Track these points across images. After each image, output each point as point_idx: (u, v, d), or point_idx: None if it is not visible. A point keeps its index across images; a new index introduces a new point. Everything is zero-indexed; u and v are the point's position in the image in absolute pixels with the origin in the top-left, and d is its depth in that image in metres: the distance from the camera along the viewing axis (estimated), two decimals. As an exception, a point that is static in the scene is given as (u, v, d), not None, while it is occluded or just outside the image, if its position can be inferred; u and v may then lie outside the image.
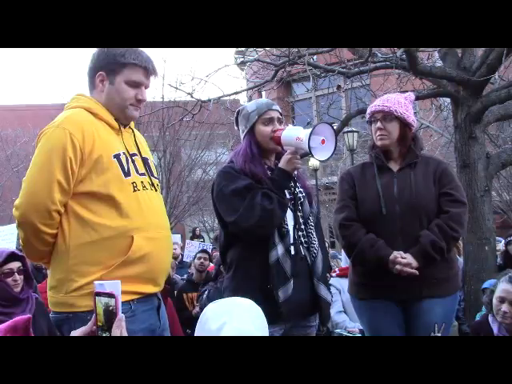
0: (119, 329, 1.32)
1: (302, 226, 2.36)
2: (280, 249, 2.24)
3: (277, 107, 2.42)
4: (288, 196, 2.34)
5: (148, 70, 2.06)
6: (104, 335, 1.33)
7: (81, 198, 1.92)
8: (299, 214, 2.37)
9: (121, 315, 1.33)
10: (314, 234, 2.39)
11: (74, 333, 1.39)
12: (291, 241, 2.31)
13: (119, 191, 1.93)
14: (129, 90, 2.03)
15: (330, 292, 2.41)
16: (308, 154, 2.24)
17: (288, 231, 2.30)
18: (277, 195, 2.22)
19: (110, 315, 1.33)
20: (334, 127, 2.44)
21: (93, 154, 1.91)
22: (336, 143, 2.24)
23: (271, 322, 2.19)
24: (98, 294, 1.35)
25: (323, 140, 2.19)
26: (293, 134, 2.24)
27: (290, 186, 2.34)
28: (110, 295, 1.33)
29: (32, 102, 33.34)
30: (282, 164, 2.29)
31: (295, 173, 2.35)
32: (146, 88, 2.08)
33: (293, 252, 2.29)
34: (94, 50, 2.08)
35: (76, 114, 1.98)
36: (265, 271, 2.22)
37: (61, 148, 1.88)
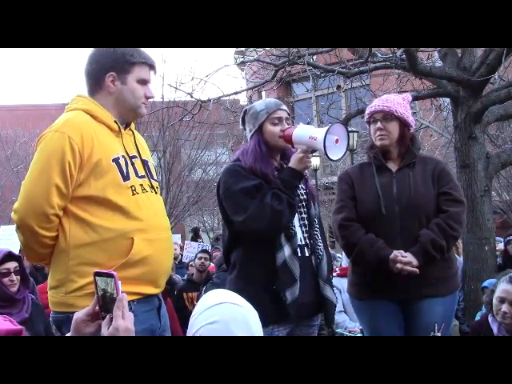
0: (120, 309, 1.30)
1: (307, 228, 2.35)
2: (287, 250, 2.23)
3: (285, 107, 2.41)
4: (298, 196, 2.33)
5: (154, 68, 2.09)
6: (105, 315, 1.32)
7: (79, 201, 1.92)
8: (304, 215, 2.36)
9: (121, 295, 1.31)
10: (320, 235, 2.38)
11: (77, 314, 1.38)
12: (298, 242, 2.29)
13: (117, 195, 1.93)
14: (140, 88, 2.04)
15: (335, 293, 2.41)
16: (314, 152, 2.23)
17: (295, 233, 2.28)
18: (286, 195, 2.20)
19: (107, 298, 1.32)
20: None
21: (92, 157, 1.90)
22: (348, 143, 2.23)
23: (277, 322, 2.21)
24: (98, 274, 1.34)
25: (337, 140, 2.18)
26: (306, 132, 2.21)
27: (299, 185, 2.32)
28: (109, 275, 1.32)
29: (32, 101, 33.28)
30: (292, 163, 2.26)
31: (306, 172, 2.33)
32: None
33: (299, 254, 2.28)
34: (92, 51, 2.08)
35: (75, 117, 1.97)
36: (270, 272, 2.21)
37: (60, 152, 1.87)
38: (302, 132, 2.23)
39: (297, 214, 2.33)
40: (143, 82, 2.05)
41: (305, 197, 2.39)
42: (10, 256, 2.96)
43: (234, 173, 2.31)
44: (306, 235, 2.34)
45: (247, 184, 2.24)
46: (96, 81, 2.05)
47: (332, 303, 2.35)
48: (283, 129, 2.33)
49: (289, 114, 2.41)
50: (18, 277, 2.96)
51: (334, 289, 4.19)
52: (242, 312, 1.44)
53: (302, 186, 2.40)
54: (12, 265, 2.94)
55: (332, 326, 2.37)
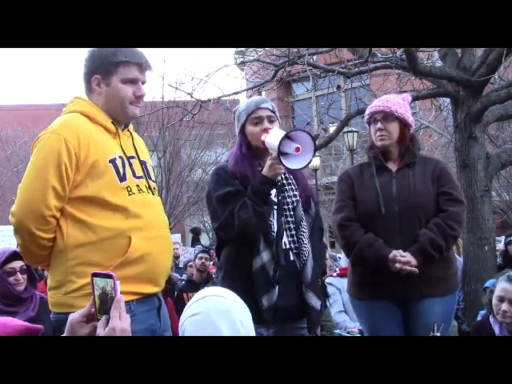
0: (117, 310, 1.30)
1: (293, 232, 2.30)
2: (265, 256, 2.21)
3: (267, 105, 2.34)
4: (275, 200, 2.28)
5: (142, 66, 2.04)
6: (100, 317, 1.32)
7: (76, 202, 1.92)
8: (290, 219, 2.31)
9: (119, 296, 1.31)
10: (306, 239, 2.31)
11: (72, 315, 1.38)
12: (282, 246, 2.26)
13: (113, 196, 1.93)
14: (126, 88, 2.01)
15: (321, 298, 2.34)
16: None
17: (274, 238, 2.25)
18: (253, 203, 2.17)
19: (106, 299, 1.32)
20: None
21: (88, 159, 1.90)
22: (314, 155, 2.15)
23: (257, 323, 2.20)
24: (96, 275, 1.34)
25: (297, 148, 2.10)
26: (273, 138, 2.16)
27: (270, 192, 2.25)
28: (108, 275, 1.33)
29: (32, 101, 33.28)
30: (264, 170, 2.22)
31: (279, 178, 2.27)
32: (143, 83, 2.06)
33: (281, 258, 2.24)
34: (86, 53, 2.07)
35: (71, 119, 1.97)
36: (249, 275, 2.20)
37: (56, 154, 1.87)
38: (271, 138, 2.18)
39: (279, 218, 2.28)
40: (130, 82, 2.02)
41: (293, 199, 2.33)
42: (15, 255, 2.95)
43: (216, 177, 2.32)
44: (291, 239, 2.29)
45: (224, 191, 2.24)
46: (86, 84, 2.06)
47: (315, 310, 2.28)
48: (263, 128, 2.28)
49: (273, 111, 2.34)
50: (25, 276, 2.95)
51: (334, 289, 4.25)
52: (224, 303, 1.49)
53: (292, 187, 2.35)
54: (18, 264, 2.92)
55: (316, 330, 2.32)
